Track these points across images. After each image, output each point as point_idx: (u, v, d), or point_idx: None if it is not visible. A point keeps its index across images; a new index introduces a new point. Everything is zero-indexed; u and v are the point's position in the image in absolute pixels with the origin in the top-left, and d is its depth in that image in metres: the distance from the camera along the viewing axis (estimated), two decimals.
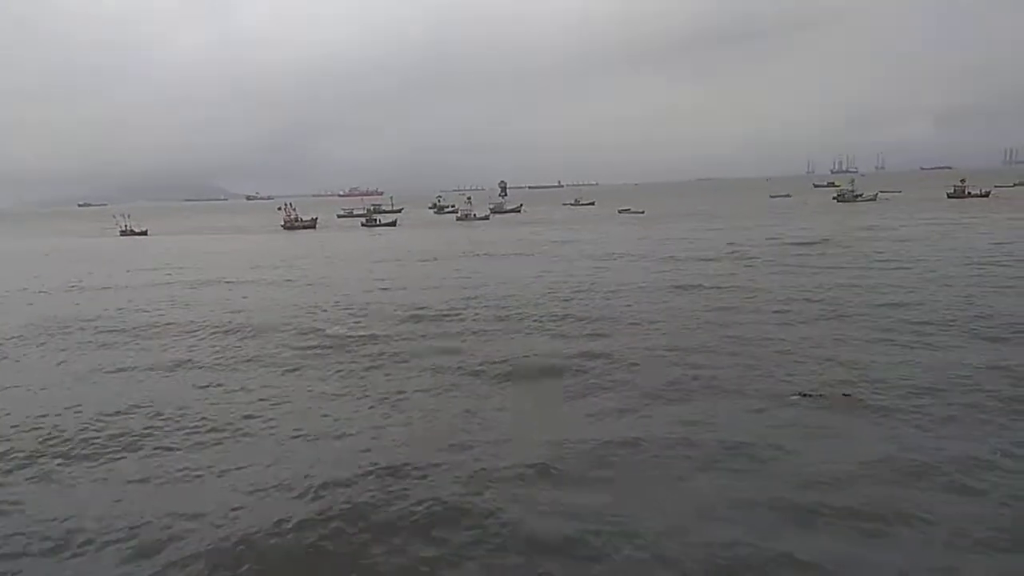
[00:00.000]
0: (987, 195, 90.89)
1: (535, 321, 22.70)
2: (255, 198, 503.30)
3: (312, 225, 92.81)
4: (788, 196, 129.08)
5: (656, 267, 35.82)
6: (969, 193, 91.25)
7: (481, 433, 12.85)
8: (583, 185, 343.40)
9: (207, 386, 16.76)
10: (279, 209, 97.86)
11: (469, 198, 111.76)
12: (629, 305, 24.97)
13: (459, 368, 17.37)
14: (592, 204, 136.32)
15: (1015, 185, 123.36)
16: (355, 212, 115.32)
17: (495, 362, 17.54)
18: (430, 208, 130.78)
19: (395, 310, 25.67)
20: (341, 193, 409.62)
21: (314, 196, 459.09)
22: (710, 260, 37.64)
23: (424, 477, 10.94)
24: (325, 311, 26.32)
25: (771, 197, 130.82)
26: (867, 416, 12.82)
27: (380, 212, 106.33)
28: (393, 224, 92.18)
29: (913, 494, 9.84)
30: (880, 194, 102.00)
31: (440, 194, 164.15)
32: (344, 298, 29.13)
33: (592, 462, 11.33)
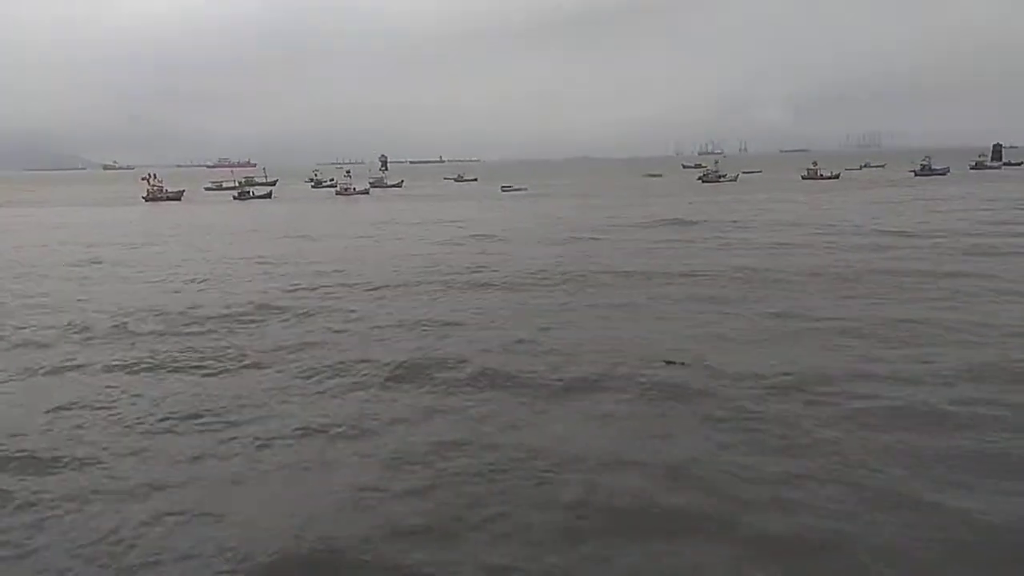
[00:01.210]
0: (837, 177, 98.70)
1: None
2: (114, 167, 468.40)
3: (178, 197, 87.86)
4: (660, 176, 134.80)
5: (545, 248, 36.73)
6: (821, 175, 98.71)
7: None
8: (466, 161, 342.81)
9: None
10: (142, 180, 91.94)
11: (348, 172, 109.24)
12: (513, 284, 25.59)
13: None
14: (475, 180, 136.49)
15: (862, 168, 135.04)
16: (225, 185, 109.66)
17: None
18: (307, 182, 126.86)
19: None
20: (209, 164, 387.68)
21: (179, 167, 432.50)
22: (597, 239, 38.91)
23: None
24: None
25: (644, 176, 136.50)
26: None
27: (253, 185, 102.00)
28: (268, 196, 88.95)
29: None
30: (742, 174, 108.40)
31: (317, 167, 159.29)
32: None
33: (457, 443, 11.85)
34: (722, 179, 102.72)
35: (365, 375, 14.42)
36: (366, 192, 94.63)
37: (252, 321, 19.50)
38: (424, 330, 18.04)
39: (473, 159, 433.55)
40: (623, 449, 10.72)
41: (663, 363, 14.56)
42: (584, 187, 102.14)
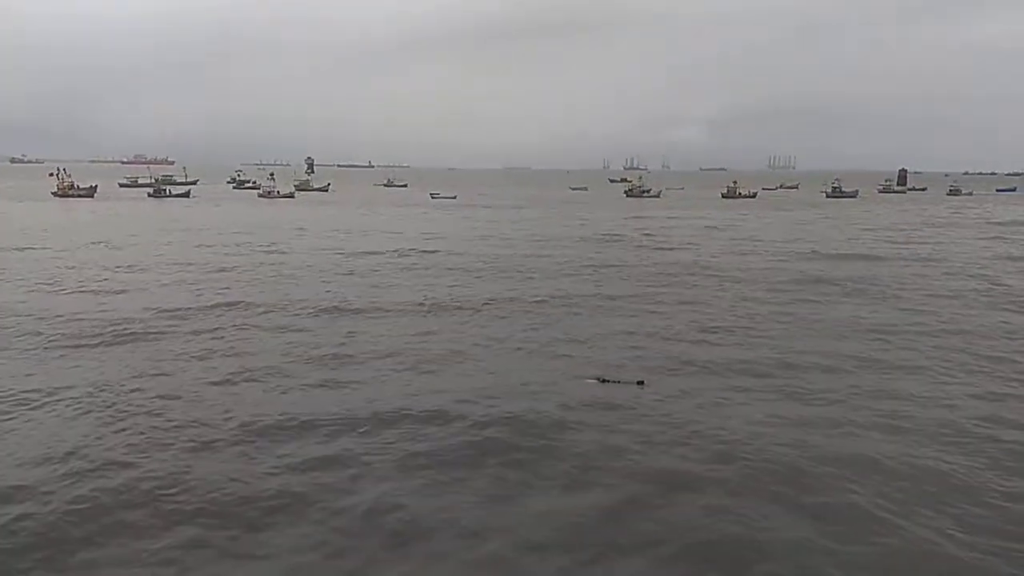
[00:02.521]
0: (754, 196, 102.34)
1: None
2: (22, 161, 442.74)
3: (90, 194, 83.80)
4: (585, 189, 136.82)
5: (475, 260, 36.57)
6: (740, 193, 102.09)
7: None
8: (396, 167, 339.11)
9: None
10: (51, 175, 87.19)
11: (272, 174, 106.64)
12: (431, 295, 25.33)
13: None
14: (405, 186, 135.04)
15: (778, 188, 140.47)
16: (140, 181, 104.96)
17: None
18: (229, 182, 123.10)
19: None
20: (124, 160, 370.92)
21: (92, 162, 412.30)
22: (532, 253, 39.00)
23: None
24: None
25: (571, 189, 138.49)
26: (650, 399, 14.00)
27: (171, 183, 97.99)
28: (187, 196, 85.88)
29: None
30: (665, 190, 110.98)
31: (240, 168, 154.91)
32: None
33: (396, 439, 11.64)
34: (646, 194, 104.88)
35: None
36: (291, 196, 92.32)
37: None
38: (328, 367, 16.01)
39: (403, 165, 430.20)
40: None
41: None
42: (512, 197, 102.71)
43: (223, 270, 29.11)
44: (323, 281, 26.75)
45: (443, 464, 10.82)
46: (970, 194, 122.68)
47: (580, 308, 22.41)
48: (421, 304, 22.57)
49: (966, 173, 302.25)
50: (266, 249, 36.34)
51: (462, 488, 10.13)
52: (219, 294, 23.72)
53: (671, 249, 38.79)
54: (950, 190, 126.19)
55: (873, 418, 12.90)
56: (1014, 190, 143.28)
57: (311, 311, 21.29)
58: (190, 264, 30.47)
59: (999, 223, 60.08)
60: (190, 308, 21.29)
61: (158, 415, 12.50)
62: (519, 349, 17.43)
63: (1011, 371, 16.04)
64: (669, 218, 61.93)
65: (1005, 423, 12.82)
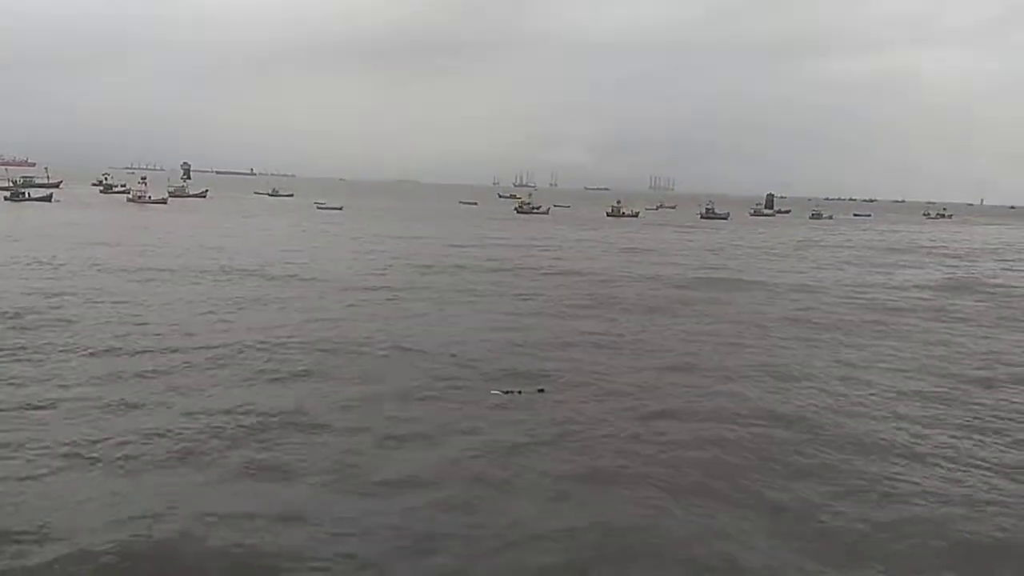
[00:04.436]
0: (637, 215, 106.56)
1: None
2: None
3: None
4: (475, 204, 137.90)
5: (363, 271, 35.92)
6: (623, 213, 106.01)
7: None
8: (281, 175, 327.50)
9: None
10: None
11: (144, 178, 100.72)
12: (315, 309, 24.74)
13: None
14: (291, 196, 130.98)
15: (658, 208, 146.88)
16: None
17: None
18: (96, 186, 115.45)
19: None
20: None
21: None
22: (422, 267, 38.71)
23: None
24: None
25: (461, 203, 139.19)
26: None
27: (31, 185, 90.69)
28: (48, 199, 79.79)
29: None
30: (553, 208, 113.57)
31: (108, 171, 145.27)
32: None
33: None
34: (536, 211, 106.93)
35: None
36: (163, 201, 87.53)
37: None
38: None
39: (288, 174, 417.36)
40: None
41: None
42: (401, 211, 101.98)
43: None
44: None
45: None
46: (830, 218, 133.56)
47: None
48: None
49: (827, 199, 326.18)
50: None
51: None
52: None
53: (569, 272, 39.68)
54: (812, 214, 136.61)
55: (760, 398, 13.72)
56: (869, 215, 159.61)
57: None
58: None
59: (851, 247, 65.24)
60: None
61: None
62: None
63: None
64: (551, 235, 63.46)
65: None
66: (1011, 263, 53.59)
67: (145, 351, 16.95)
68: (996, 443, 13.33)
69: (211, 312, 22.11)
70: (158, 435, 11.85)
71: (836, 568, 8.95)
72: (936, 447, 13.01)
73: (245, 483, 10.49)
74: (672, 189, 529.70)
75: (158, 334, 18.76)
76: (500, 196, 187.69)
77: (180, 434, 11.97)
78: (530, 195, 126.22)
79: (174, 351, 17.10)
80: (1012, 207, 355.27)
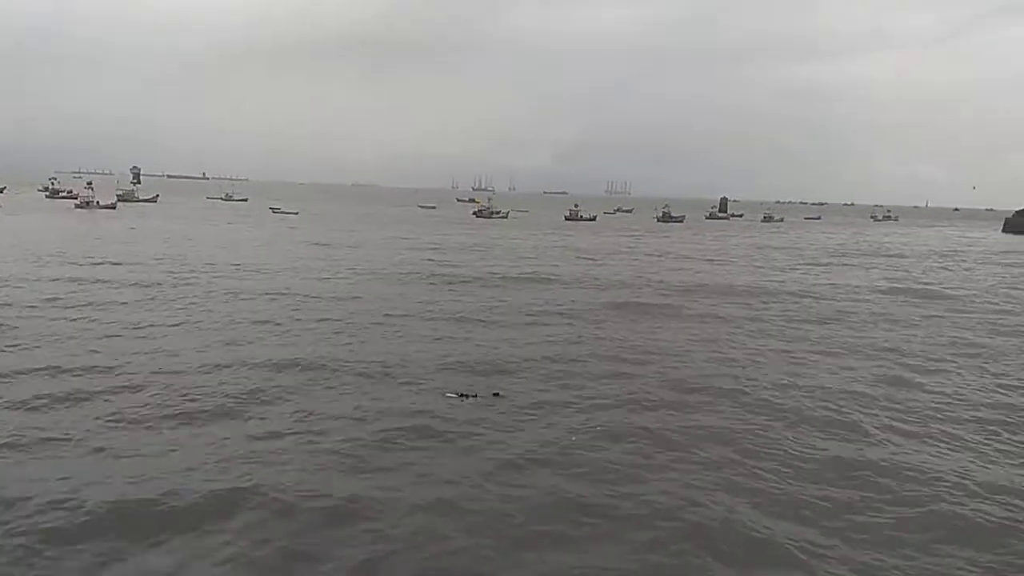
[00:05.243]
0: (594, 219, 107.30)
1: None
2: None
3: None
4: (434, 208, 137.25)
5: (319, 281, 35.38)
6: (581, 216, 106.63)
7: None
8: (234, 180, 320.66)
9: None
10: None
11: (90, 183, 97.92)
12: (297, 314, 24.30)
13: None
14: (245, 200, 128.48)
15: (615, 212, 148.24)
16: None
17: None
18: (41, 191, 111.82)
19: None
20: None
21: None
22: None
23: None
24: None
25: (419, 207, 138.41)
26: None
27: None
28: None
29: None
30: (512, 212, 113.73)
31: (55, 175, 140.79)
32: None
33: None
34: (496, 215, 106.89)
35: None
36: (112, 206, 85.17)
37: None
38: None
39: (242, 178, 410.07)
40: None
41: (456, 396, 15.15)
42: (358, 215, 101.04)
43: None
44: None
45: None
46: (781, 220, 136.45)
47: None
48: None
49: (778, 202, 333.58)
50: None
51: None
52: None
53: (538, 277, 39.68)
54: (764, 217, 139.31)
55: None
56: (819, 218, 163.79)
57: None
58: None
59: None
60: None
61: None
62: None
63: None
64: (513, 238, 63.57)
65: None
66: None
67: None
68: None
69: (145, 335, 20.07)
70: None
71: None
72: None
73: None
74: (629, 193, 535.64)
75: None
76: (459, 200, 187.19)
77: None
78: (489, 199, 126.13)
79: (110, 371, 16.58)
80: (956, 209, 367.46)
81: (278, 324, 21.94)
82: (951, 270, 50.30)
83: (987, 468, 12.42)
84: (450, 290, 30.78)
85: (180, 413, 13.50)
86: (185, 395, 14.46)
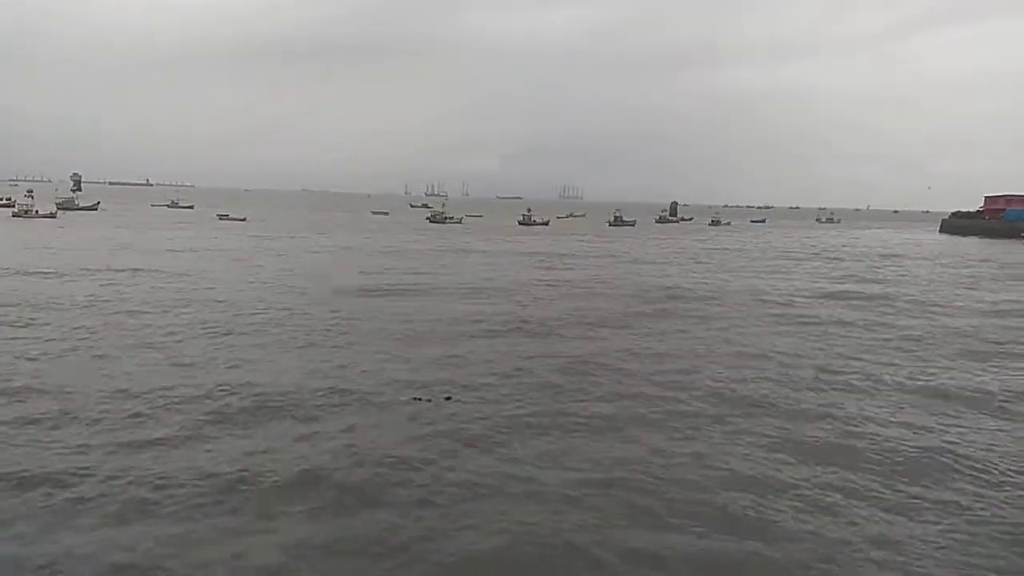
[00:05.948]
0: (547, 223, 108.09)
1: None
2: None
3: None
4: (387, 214, 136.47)
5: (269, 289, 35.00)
6: (535, 221, 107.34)
7: None
8: (179, 186, 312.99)
9: None
10: None
11: (30, 191, 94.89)
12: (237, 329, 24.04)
13: None
14: (191, 207, 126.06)
15: (568, 216, 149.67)
16: None
17: None
18: None
19: None
20: None
21: None
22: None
23: None
24: None
25: (372, 213, 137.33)
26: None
27: None
28: None
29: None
30: (466, 217, 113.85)
31: None
32: None
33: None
34: (449, 220, 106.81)
35: None
36: (52, 215, 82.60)
37: None
38: None
39: (187, 184, 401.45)
40: None
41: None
42: (309, 222, 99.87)
43: None
44: None
45: None
46: (728, 223, 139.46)
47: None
48: None
49: (726, 206, 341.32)
50: None
51: None
52: None
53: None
54: (712, 221, 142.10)
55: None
56: (764, 221, 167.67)
57: None
58: None
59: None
60: None
61: None
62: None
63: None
64: (473, 243, 63.75)
65: None
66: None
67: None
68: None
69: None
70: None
71: None
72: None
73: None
74: (581, 197, 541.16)
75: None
76: (412, 206, 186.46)
77: None
78: (443, 205, 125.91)
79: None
80: (896, 211, 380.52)
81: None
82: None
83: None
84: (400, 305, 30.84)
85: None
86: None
